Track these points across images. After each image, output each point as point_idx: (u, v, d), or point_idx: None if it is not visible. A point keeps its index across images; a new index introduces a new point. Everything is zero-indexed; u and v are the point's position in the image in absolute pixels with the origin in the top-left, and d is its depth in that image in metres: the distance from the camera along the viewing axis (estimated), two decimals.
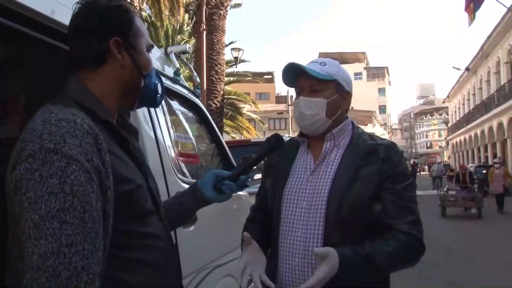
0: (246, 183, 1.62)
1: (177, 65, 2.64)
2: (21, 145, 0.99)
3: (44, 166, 0.93)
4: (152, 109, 2.12)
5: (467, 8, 20.01)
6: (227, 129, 22.58)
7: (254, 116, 26.89)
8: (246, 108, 26.31)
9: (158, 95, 1.36)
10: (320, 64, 1.67)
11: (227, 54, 19.28)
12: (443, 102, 54.49)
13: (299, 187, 1.65)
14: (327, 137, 1.68)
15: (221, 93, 14.67)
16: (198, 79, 3.07)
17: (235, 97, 23.22)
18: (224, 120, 19.88)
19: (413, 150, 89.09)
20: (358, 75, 68.68)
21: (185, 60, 2.79)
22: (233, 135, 24.64)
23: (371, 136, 1.72)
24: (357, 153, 1.62)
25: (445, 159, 61.82)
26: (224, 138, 13.51)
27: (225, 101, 19.31)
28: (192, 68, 3.17)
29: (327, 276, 1.37)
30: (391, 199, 1.55)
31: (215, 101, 14.14)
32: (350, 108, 1.78)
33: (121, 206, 1.07)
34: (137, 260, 1.12)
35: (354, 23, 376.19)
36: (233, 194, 3.13)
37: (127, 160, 1.18)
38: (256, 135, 24.21)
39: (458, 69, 35.38)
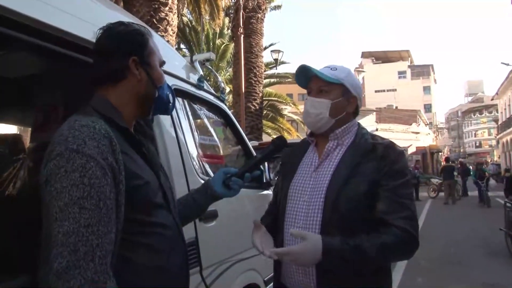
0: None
1: (201, 72, 2.84)
2: (51, 147, 1.23)
3: (68, 163, 1.17)
4: (174, 114, 2.32)
5: None
6: (268, 130, 22.71)
7: (295, 117, 26.87)
8: (287, 110, 26.35)
9: (170, 104, 1.57)
10: (331, 69, 1.82)
11: (268, 56, 19.51)
12: (492, 99, 52.51)
13: (303, 182, 1.80)
14: (330, 137, 1.82)
15: (260, 95, 14.87)
16: (222, 85, 3.25)
17: (275, 98, 23.33)
18: (265, 122, 20.07)
19: (461, 150, 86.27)
20: (402, 74, 67.01)
21: (209, 67, 2.98)
22: (275, 136, 24.63)
23: (374, 136, 1.84)
24: (357, 151, 1.75)
25: (495, 158, 59.48)
26: (264, 139, 13.47)
27: (265, 103, 19.52)
28: (217, 74, 3.36)
29: (301, 253, 1.52)
30: (387, 196, 1.65)
31: (254, 103, 14.38)
32: (356, 110, 1.87)
33: (131, 198, 1.29)
34: (144, 244, 1.33)
35: (399, 20, 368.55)
36: (259, 193, 3.32)
37: (139, 161, 1.40)
38: (297, 137, 24.20)
39: (507, 64, 34.00)
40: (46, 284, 1.12)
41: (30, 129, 2.74)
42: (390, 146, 1.76)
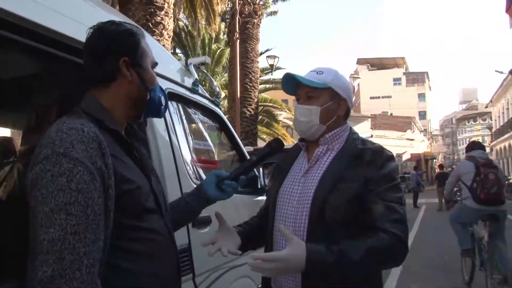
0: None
1: (196, 76, 2.80)
2: (38, 150, 1.19)
3: (54, 167, 1.12)
4: (168, 118, 2.28)
5: (508, 10, 19.48)
6: (263, 136, 22.71)
7: (290, 123, 26.88)
8: (282, 115, 26.37)
9: (162, 107, 1.53)
10: (317, 73, 1.79)
11: (263, 62, 19.52)
12: (486, 107, 52.85)
13: (292, 187, 1.76)
14: (320, 141, 1.78)
15: (255, 100, 14.87)
16: (218, 89, 3.23)
17: (270, 104, 23.34)
18: (260, 127, 20.06)
19: (456, 157, 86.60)
20: (397, 80, 67.44)
21: (204, 71, 2.95)
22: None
23: (364, 141, 1.79)
24: (345, 156, 1.71)
25: None
26: (259, 145, 13.44)
27: (261, 108, 19.51)
28: (212, 78, 3.34)
29: (285, 260, 1.46)
30: (374, 200, 1.60)
31: (249, 109, 14.36)
32: (346, 112, 1.83)
33: (122, 203, 1.24)
34: (134, 250, 1.29)
35: (395, 28, 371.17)
36: (254, 199, 3.29)
37: (130, 164, 1.35)
38: (292, 142, 24.17)
39: (501, 72, 34.31)
40: None
41: (21, 132, 2.70)
42: (378, 151, 1.71)
